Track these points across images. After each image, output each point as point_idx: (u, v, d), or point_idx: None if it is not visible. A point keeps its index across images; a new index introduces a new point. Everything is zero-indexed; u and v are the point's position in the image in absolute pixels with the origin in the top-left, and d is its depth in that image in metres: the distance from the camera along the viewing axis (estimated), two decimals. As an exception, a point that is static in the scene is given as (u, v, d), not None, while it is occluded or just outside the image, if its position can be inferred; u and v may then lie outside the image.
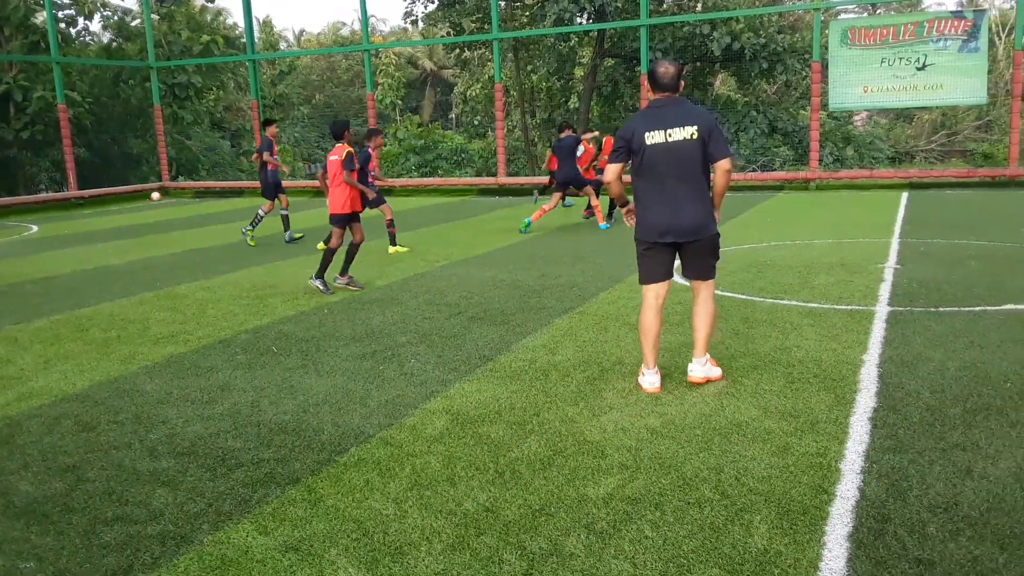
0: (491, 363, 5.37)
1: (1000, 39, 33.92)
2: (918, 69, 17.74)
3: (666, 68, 4.59)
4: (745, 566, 2.78)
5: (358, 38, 44.95)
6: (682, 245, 4.68)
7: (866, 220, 12.48)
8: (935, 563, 2.74)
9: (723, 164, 4.57)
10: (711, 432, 3.99)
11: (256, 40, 28.51)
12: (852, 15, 35.25)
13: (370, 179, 10.60)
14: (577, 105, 30.98)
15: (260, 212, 12.25)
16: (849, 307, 6.52)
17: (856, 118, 32.79)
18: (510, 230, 12.77)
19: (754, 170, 23.26)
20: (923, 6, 34.24)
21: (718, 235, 4.73)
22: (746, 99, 26.93)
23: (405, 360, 5.52)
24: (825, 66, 19.07)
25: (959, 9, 19.11)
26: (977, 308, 6.27)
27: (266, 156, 12.01)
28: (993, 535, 2.90)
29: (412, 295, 7.82)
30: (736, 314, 6.45)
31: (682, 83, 4.70)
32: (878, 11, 33.76)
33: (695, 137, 4.51)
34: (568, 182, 12.32)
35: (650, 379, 4.72)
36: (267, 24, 46.60)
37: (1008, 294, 6.65)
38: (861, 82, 18.38)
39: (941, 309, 6.31)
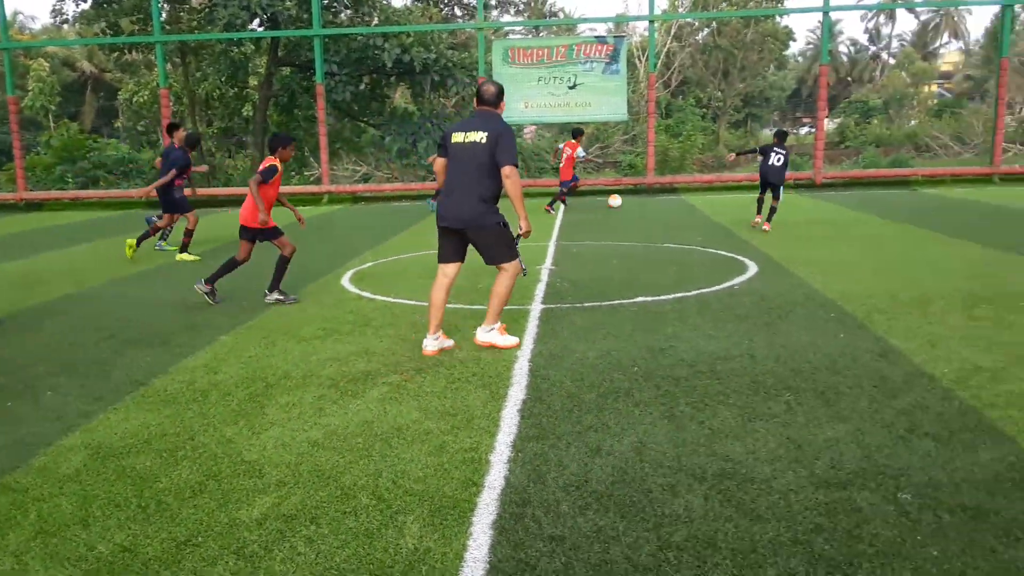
0: (144, 388, 4.97)
1: (640, 62, 38.35)
2: (570, 88, 19.52)
3: (487, 87, 5.49)
4: (396, 567, 2.84)
5: (-8, 31, 39.44)
6: (464, 233, 5.46)
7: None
8: (565, 538, 2.99)
9: (504, 170, 5.26)
10: (372, 439, 4.03)
11: None
12: (519, 36, 38.00)
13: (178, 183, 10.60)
14: (252, 114, 29.89)
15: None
16: (509, 307, 6.95)
17: (527, 131, 35.21)
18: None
19: (434, 179, 24.07)
20: (578, 31, 37.66)
21: (497, 227, 5.41)
22: (421, 111, 27.75)
23: (41, 393, 4.93)
24: (491, 82, 20.26)
25: (603, 35, 21.26)
26: (615, 302, 7.01)
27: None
28: (616, 506, 3.24)
29: (57, 320, 7.01)
30: (404, 320, 6.60)
31: (502, 103, 5.49)
32: (542, 33, 36.68)
33: (483, 141, 5.27)
34: None
35: (426, 342, 5.55)
36: None
37: (640, 288, 7.52)
38: (522, 98, 19.78)
39: (586, 304, 6.97)
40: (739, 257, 9.26)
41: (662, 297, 7.13)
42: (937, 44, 62.47)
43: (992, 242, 9.67)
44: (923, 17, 62.33)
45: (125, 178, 27.52)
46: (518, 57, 19.77)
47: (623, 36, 21.39)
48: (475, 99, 5.57)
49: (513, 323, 6.35)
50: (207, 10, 24.01)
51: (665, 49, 40.17)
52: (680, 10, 41.25)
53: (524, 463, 3.67)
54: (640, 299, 7.08)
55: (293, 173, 28.62)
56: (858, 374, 4.75)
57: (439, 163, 5.62)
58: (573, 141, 15.44)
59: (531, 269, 8.78)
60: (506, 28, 38.40)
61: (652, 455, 3.71)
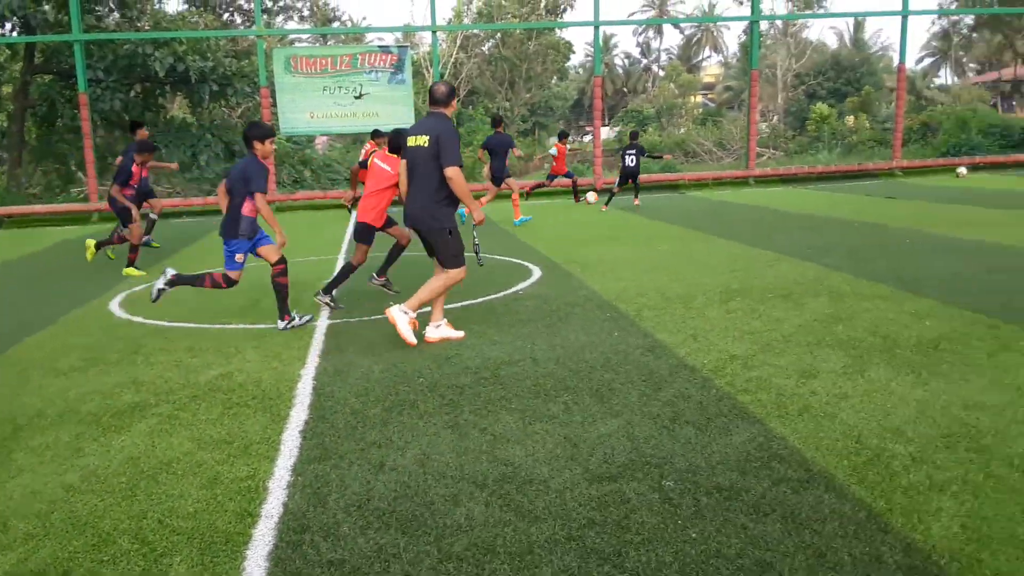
0: None
1: (428, 72, 38.61)
2: (356, 97, 19.31)
3: (437, 87, 5.68)
4: (159, 614, 2.65)
5: None
6: (418, 231, 5.80)
7: (319, 239, 13.13)
8: (345, 561, 2.93)
9: (447, 171, 5.50)
10: (137, 477, 3.75)
11: None
12: (306, 44, 37.04)
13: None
14: (7, 125, 27.06)
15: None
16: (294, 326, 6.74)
17: (318, 142, 34.39)
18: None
19: (213, 194, 22.91)
20: (367, 40, 37.35)
21: (443, 232, 5.70)
22: (200, 122, 26.34)
23: None
24: (275, 92, 19.60)
25: (387, 45, 21.21)
26: (403, 313, 6.98)
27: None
28: (398, 522, 3.21)
29: None
30: (179, 344, 6.23)
31: (454, 101, 5.70)
32: (330, 42, 35.94)
33: (427, 144, 5.53)
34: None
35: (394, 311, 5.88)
36: None
37: (428, 298, 7.54)
38: (307, 108, 19.32)
39: (373, 317, 6.90)
40: (524, 263, 9.54)
41: (449, 305, 7.19)
42: (700, 58, 67.83)
43: (746, 239, 10.60)
44: (687, 32, 67.47)
45: None
46: (301, 66, 19.29)
47: (407, 46, 21.46)
48: (429, 100, 5.76)
49: (297, 340, 6.17)
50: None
51: (452, 60, 40.75)
52: (465, 21, 42.02)
53: (305, 487, 3.56)
54: (426, 309, 7.10)
55: (57, 190, 26.19)
56: (629, 370, 5.03)
57: (400, 165, 5.86)
58: (560, 143, 16.60)
59: (319, 284, 8.58)
60: (291, 36, 37.36)
61: (435, 466, 3.72)
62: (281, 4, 38.11)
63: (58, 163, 27.69)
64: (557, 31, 45.56)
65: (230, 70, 24.12)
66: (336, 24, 41.59)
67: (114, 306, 7.99)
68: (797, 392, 4.47)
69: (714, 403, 4.37)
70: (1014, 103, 46.83)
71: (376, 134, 10.52)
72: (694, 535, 3.00)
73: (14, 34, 23.51)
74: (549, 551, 2.93)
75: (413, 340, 5.82)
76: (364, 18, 61.69)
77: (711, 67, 68.60)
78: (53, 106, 25.70)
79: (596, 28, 21.03)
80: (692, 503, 3.24)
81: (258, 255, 6.60)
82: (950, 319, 5.87)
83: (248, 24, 34.27)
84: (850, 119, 36.22)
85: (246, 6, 34.95)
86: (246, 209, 6.36)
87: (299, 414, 4.52)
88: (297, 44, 36.33)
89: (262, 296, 8.00)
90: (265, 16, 35.80)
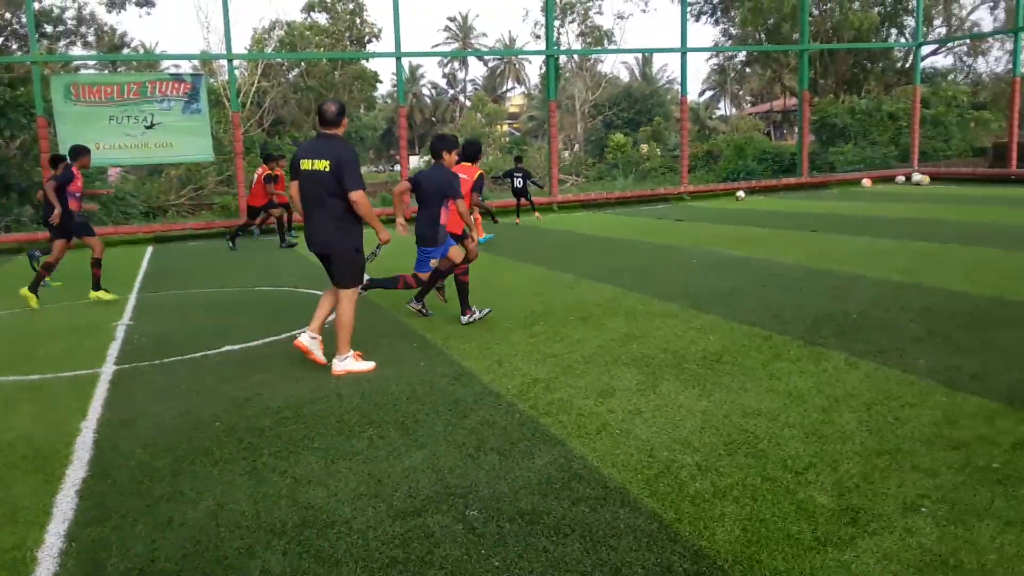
0: None
1: (228, 101, 37.21)
2: (147, 128, 18.20)
3: (327, 107, 5.63)
4: None
5: None
6: (322, 256, 5.80)
7: (107, 277, 12.18)
8: (125, 630, 2.69)
9: (352, 195, 5.51)
10: None
11: None
12: (93, 71, 34.51)
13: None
14: None
15: None
16: (74, 373, 6.21)
17: (110, 174, 32.10)
18: None
19: (4, 230, 20.79)
20: (162, 67, 35.38)
21: (351, 251, 5.71)
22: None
23: None
24: (54, 122, 18.10)
25: (178, 72, 20.23)
26: (199, 354, 6.61)
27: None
28: (187, 579, 3.00)
29: None
30: (-65, 404, 5.54)
31: (344, 120, 5.66)
32: (120, 69, 33.70)
33: (327, 170, 5.48)
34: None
35: (304, 332, 6.03)
36: None
37: (227, 337, 7.19)
38: (93, 139, 17.92)
39: (167, 360, 6.48)
40: (331, 295, 9.32)
41: (251, 343, 6.90)
42: (504, 88, 69.86)
43: (550, 263, 10.94)
44: (491, 64, 69.29)
45: None
46: (83, 94, 17.93)
47: (201, 74, 20.57)
48: (318, 119, 5.68)
49: (78, 391, 5.67)
50: None
51: (254, 88, 39.48)
52: (268, 49, 40.90)
53: (80, 554, 3.25)
54: (227, 348, 6.78)
55: None
56: (435, 400, 5.02)
57: (293, 187, 5.76)
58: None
59: (108, 326, 7.97)
60: (76, 63, 34.74)
61: (230, 517, 3.52)
62: (61, 29, 35.42)
63: None
64: (364, 61, 45.38)
65: (3, 99, 22.12)
66: (127, 51, 39.23)
67: None
68: (595, 411, 4.63)
69: (518, 428, 4.44)
70: (784, 131, 51.72)
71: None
72: (497, 564, 3.01)
73: None
74: (350, 595, 2.84)
75: (372, 364, 5.88)
76: (157, 43, 58.53)
77: (515, 97, 70.86)
78: None
79: (398, 59, 21.12)
80: (496, 531, 3.26)
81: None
82: (731, 332, 6.32)
83: (24, 50, 31.60)
84: (644, 147, 38.55)
85: (22, 31, 32.20)
86: (443, 217, 6.98)
87: (76, 472, 4.15)
88: (84, 71, 33.89)
89: (39, 345, 7.31)
90: (45, 41, 33.19)
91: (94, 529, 3.47)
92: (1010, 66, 27.65)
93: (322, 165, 5.53)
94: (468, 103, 66.35)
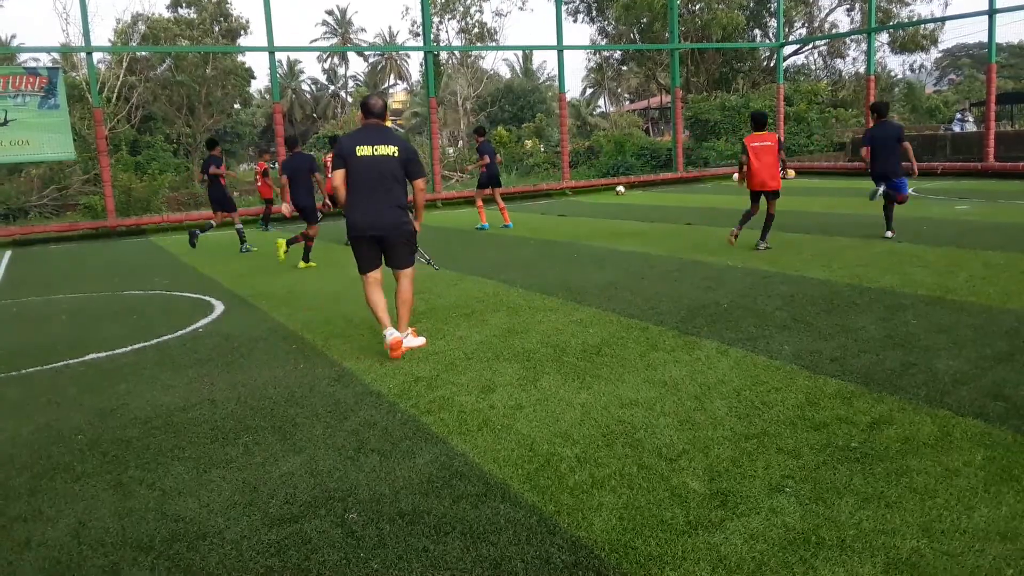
0: None
1: (89, 97, 35.26)
2: (1, 125, 17.06)
3: (375, 101, 5.90)
4: None
5: None
6: (382, 239, 5.81)
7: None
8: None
9: (418, 183, 5.88)
10: None
11: None
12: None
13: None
14: None
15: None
16: (-83, 390, 5.74)
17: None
18: None
19: None
20: (18, 61, 33.18)
21: (412, 234, 5.93)
22: None
23: None
24: None
25: (33, 67, 19.02)
26: (60, 363, 6.24)
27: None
28: (44, 604, 2.82)
29: None
30: None
31: (388, 114, 6.04)
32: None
33: (396, 155, 5.74)
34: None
35: (388, 332, 5.84)
36: None
37: (91, 344, 6.82)
38: (-62, 135, 16.72)
39: (24, 371, 6.09)
40: (206, 297, 8.99)
41: (118, 351, 6.56)
42: (386, 84, 69.04)
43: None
44: (371, 60, 68.36)
45: None
46: (-75, 88, 16.64)
47: (57, 68, 19.43)
48: (361, 112, 5.93)
49: (-79, 409, 5.25)
50: None
51: (119, 83, 37.55)
52: (132, 43, 38.95)
53: (-78, 584, 3.01)
54: (91, 356, 6.42)
55: None
56: (314, 402, 4.91)
57: (338, 175, 5.74)
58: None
59: None
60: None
61: (93, 534, 3.34)
62: None
63: None
64: (238, 56, 43.90)
65: None
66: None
67: None
68: (477, 407, 4.64)
69: (399, 427, 4.40)
70: (661, 128, 53.30)
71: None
72: (376, 566, 2.97)
73: None
74: (223, 609, 2.74)
75: (424, 339, 6.19)
76: (14, 36, 54.81)
77: (398, 94, 70.20)
78: None
79: (271, 54, 20.51)
80: (375, 533, 3.22)
81: None
82: (609, 324, 6.47)
83: None
84: (528, 143, 38.89)
85: None
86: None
87: (-81, 496, 3.84)
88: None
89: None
90: None
91: (-62, 557, 3.22)
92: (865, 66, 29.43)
93: (390, 151, 5.74)
94: (350, 99, 65.27)
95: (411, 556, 3.03)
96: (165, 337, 7.01)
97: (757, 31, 38.72)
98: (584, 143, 35.58)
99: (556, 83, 32.00)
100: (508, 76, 58.05)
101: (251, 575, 2.95)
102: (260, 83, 55.44)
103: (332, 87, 70.37)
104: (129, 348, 6.66)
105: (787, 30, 36.67)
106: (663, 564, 2.86)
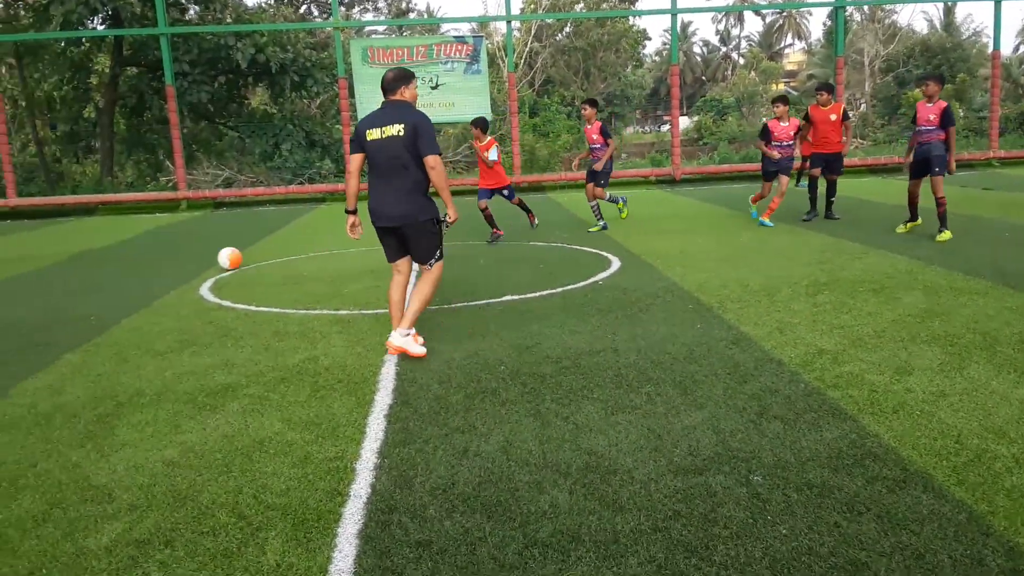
0: (-24, 416, 4.60)
1: (503, 62, 38.69)
2: (432, 88, 19.45)
3: (387, 75, 5.27)
4: (256, 587, 2.73)
5: None
6: (398, 229, 5.32)
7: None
8: (432, 542, 2.97)
9: (428, 160, 5.11)
10: (233, 454, 3.88)
11: None
12: (382, 35, 37.51)
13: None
14: (95, 116, 28.19)
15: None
16: (375, 312, 6.86)
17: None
18: (16, 259, 11.14)
19: (300, 183, 23.41)
20: (442, 31, 37.56)
21: (431, 223, 5.33)
22: (282, 113, 26.96)
23: None
24: (352, 83, 19.92)
25: (462, 35, 21.30)
26: (482, 302, 7.03)
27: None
28: (483, 507, 3.24)
29: None
30: (267, 329, 6.40)
31: (403, 88, 5.22)
32: (406, 33, 36.26)
33: (401, 134, 5.08)
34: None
35: (393, 333, 5.41)
36: None
37: (507, 286, 7.58)
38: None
39: (454, 305, 6.96)
40: (602, 253, 9.49)
41: (528, 295, 7.21)
42: (782, 44, 66.11)
43: (832, 231, 10.31)
44: (768, 19, 65.81)
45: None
46: (378, 57, 19.54)
47: (481, 36, 21.52)
48: (382, 91, 5.35)
49: (380, 328, 6.27)
50: (43, 6, 22.43)
51: (527, 49, 40.68)
52: (539, 10, 41.89)
53: (391, 469, 3.62)
54: (507, 298, 7.14)
55: (148, 178, 27.21)
56: (713, 362, 4.95)
57: (355, 160, 5.37)
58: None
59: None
60: (368, 28, 37.88)
61: (518, 453, 3.74)
62: (356, -3, 38.71)
63: (148, 153, 28.77)
64: (631, 19, 44.98)
65: (310, 61, 24.63)
66: (411, 15, 41.98)
67: (204, 291, 8.26)
68: (891, 389, 4.33)
69: (802, 398, 4.27)
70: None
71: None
72: (784, 531, 2.94)
73: (102, 27, 24.38)
74: (634, 541, 2.91)
75: (424, 350, 5.42)
76: (440, 7, 62.10)
77: (794, 54, 66.86)
78: (142, 98, 26.68)
79: (673, 16, 20.70)
80: (782, 499, 3.18)
81: None
82: (1054, 316, 5.60)
83: (325, 16, 34.87)
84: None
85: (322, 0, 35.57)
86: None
87: (383, 399, 4.60)
88: (373, 36, 36.78)
89: (343, 285, 8.16)
90: (342, 8, 36.36)
91: (401, 450, 3.84)
92: None
93: (395, 130, 5.11)
94: (741, 61, 63.68)
95: (821, 528, 2.94)
96: (569, 286, 7.54)
97: None
98: (1015, 108, 30.90)
99: (983, 39, 28.04)
100: (925, 31, 52.17)
101: (660, 516, 3.09)
102: (650, 47, 56.31)
103: (724, 48, 69.16)
104: (537, 294, 7.28)
105: None
106: None
